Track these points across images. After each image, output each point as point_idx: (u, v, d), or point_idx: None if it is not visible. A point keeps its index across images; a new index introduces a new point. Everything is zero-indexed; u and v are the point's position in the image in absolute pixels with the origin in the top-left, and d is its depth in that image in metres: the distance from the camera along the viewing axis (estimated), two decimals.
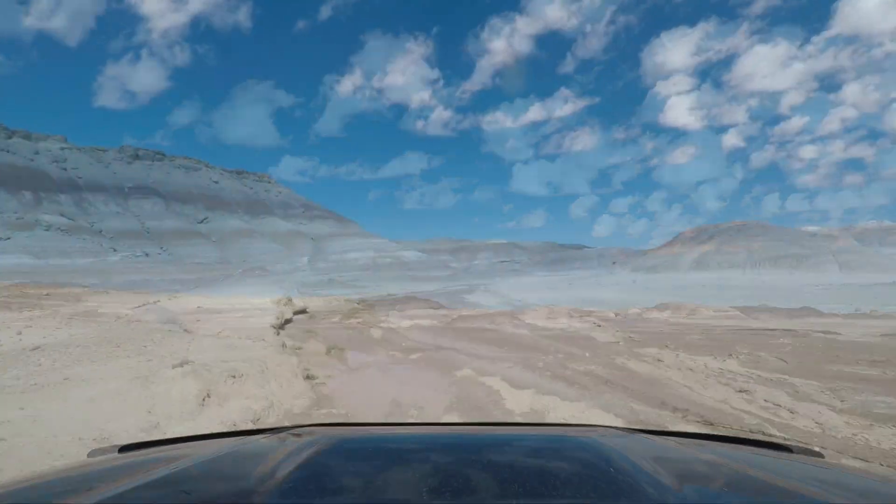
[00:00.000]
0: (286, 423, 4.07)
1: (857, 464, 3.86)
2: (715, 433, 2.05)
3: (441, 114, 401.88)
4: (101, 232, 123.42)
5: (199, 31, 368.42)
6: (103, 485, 1.02)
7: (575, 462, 1.21)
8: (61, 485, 1.12)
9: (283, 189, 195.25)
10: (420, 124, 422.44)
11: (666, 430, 2.06)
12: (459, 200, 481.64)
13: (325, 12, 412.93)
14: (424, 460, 1.22)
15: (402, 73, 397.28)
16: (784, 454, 1.46)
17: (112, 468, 1.25)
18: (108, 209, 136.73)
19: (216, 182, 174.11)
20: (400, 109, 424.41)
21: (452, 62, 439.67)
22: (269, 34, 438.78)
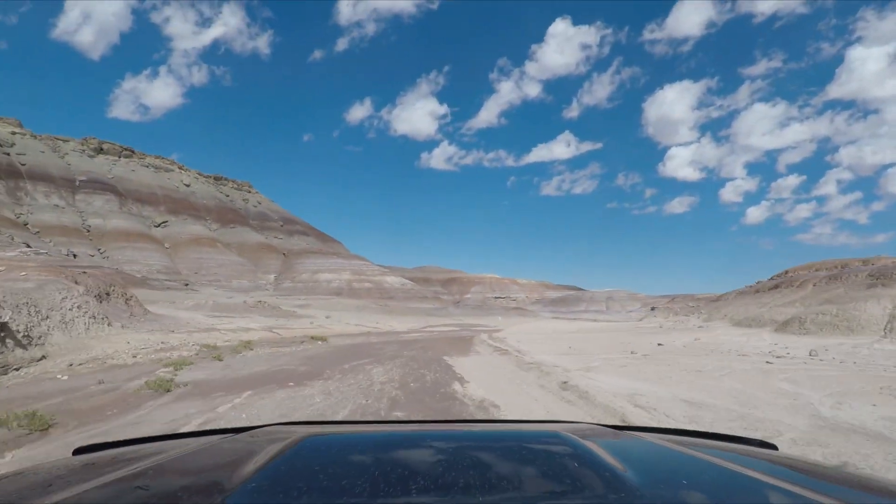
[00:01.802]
0: None
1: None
2: (675, 428, 2.14)
3: (446, 149, 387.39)
4: (25, 225, 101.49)
5: (218, 53, 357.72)
6: (56, 490, 0.98)
7: (542, 457, 1.25)
8: (12, 490, 1.06)
9: (262, 199, 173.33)
10: (424, 157, 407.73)
11: (628, 425, 2.14)
12: (456, 231, 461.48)
13: (341, 44, 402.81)
14: (392, 458, 1.23)
15: (412, 107, 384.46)
16: (739, 446, 1.56)
17: (66, 471, 1.20)
18: (46, 202, 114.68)
19: (187, 185, 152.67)
20: (409, 142, 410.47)
21: (461, 100, 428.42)
22: (286, 62, 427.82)
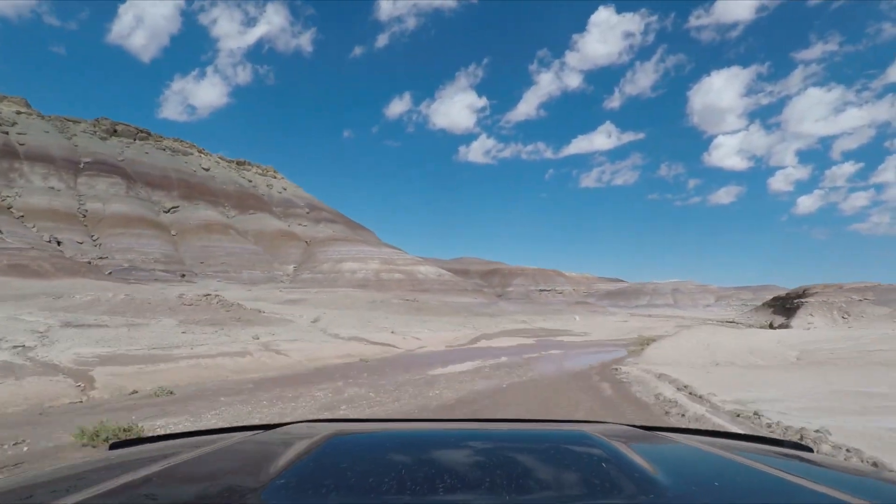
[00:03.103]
0: None
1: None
2: (705, 429, 1.98)
3: (484, 142, 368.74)
4: (9, 209, 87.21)
5: (261, 52, 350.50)
6: (95, 483, 0.99)
7: (569, 457, 1.22)
8: (52, 484, 1.08)
9: (288, 185, 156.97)
10: (462, 150, 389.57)
11: (658, 425, 1.96)
12: (493, 223, 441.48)
13: (381, 40, 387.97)
14: (419, 455, 1.21)
15: (451, 101, 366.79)
16: (773, 448, 1.49)
17: (103, 466, 1.21)
18: (42, 184, 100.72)
19: (206, 169, 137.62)
20: (447, 136, 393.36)
21: (499, 92, 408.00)
22: (328, 59, 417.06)
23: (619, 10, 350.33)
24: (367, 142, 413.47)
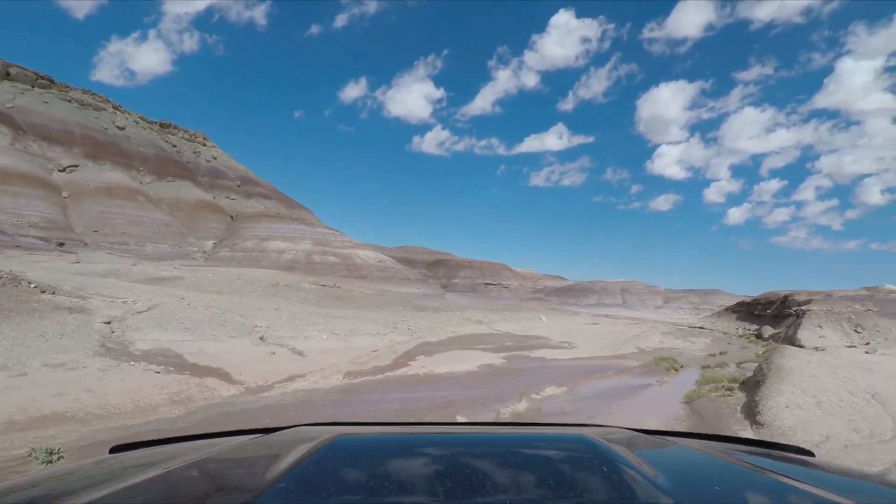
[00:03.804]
0: None
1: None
2: (706, 433, 1.77)
3: (439, 134, 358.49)
4: None
5: (211, 20, 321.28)
6: (94, 486, 0.98)
7: (571, 461, 1.20)
8: (50, 487, 1.07)
9: (219, 154, 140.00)
10: (416, 140, 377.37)
11: (660, 429, 1.85)
12: (443, 215, 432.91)
13: (340, 21, 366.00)
14: (421, 460, 1.20)
15: (408, 89, 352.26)
16: (775, 452, 1.47)
17: (102, 470, 1.20)
18: None
19: (121, 128, 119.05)
20: (401, 125, 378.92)
21: (457, 85, 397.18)
22: (282, 35, 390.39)
23: (578, 15, 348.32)
24: (318, 124, 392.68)
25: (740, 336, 46.79)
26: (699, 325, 60.85)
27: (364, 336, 17.72)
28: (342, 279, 79.98)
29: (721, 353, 25.65)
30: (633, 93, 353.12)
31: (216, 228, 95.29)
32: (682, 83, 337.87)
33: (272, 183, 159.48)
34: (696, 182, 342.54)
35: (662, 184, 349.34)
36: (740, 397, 11.73)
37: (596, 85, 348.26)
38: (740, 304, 73.67)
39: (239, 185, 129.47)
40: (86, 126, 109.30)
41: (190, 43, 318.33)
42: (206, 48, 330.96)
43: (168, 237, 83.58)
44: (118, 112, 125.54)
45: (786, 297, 53.21)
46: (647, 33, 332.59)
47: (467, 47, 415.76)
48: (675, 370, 17.48)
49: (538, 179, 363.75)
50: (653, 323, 58.18)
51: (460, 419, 8.75)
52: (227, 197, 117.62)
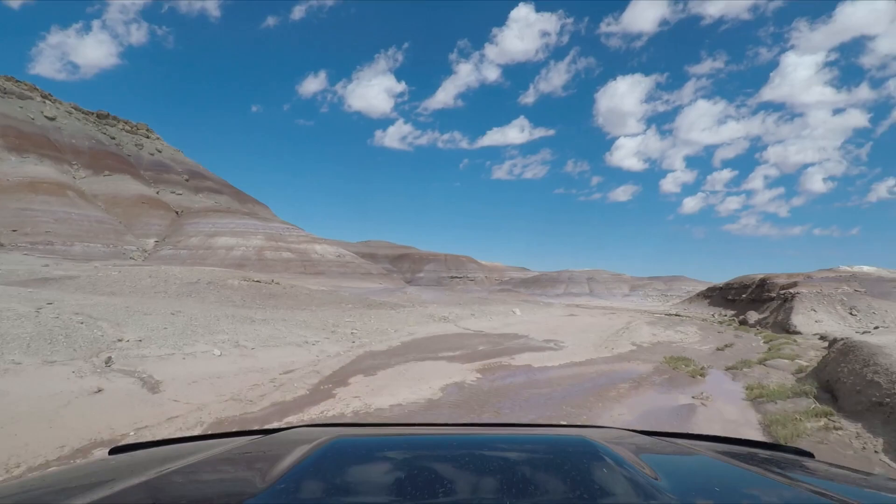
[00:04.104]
0: None
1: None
2: (706, 434, 1.79)
3: (401, 128, 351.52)
4: None
5: (160, 11, 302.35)
6: (93, 488, 0.98)
7: (571, 462, 1.19)
8: (50, 489, 1.07)
9: (164, 146, 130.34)
10: (378, 135, 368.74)
11: (659, 430, 1.86)
12: (407, 209, 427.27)
13: (297, 13, 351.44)
14: (420, 461, 1.20)
15: (368, 83, 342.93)
16: (775, 453, 1.48)
17: (103, 471, 1.20)
18: None
19: (51, 119, 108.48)
20: (363, 119, 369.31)
21: (418, 79, 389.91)
22: (237, 27, 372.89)
23: (538, 9, 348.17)
24: (277, 119, 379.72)
25: (721, 323, 43.69)
26: (675, 313, 57.92)
27: (283, 347, 12.68)
28: (297, 276, 73.93)
29: (727, 347, 21.73)
30: (591, 86, 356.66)
31: (159, 225, 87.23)
32: (638, 77, 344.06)
33: (226, 178, 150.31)
34: (654, 173, 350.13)
35: (621, 175, 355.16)
36: (852, 431, 7.38)
37: (556, 78, 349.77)
38: (711, 289, 71.49)
39: (187, 180, 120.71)
40: (8, 116, 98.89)
41: (138, 35, 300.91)
42: (155, 40, 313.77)
43: (101, 235, 75.42)
44: (48, 101, 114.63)
45: (763, 280, 50.60)
46: (604, 28, 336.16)
47: (428, 40, 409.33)
48: (699, 375, 13.19)
49: (501, 172, 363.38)
50: (629, 312, 54.84)
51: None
52: (173, 192, 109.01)
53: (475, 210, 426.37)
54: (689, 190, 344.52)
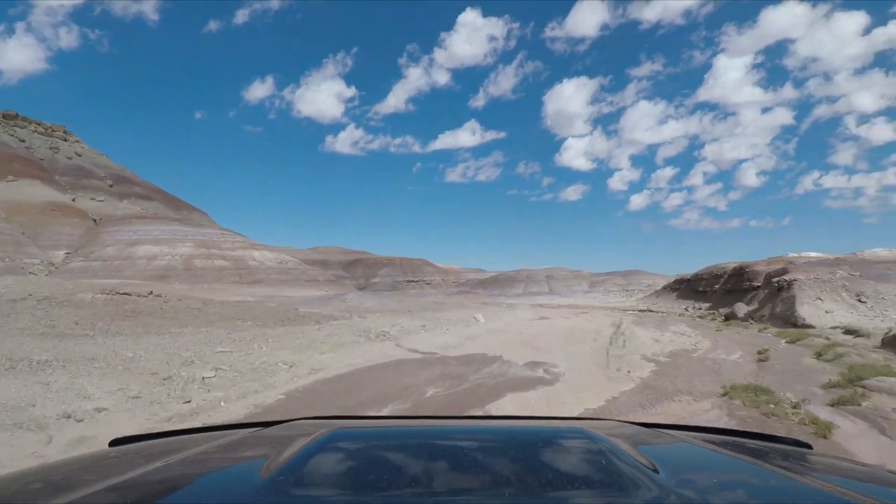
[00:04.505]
0: None
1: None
2: (705, 426, 1.76)
3: (353, 133, 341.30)
4: None
5: (92, 14, 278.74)
6: (94, 479, 0.97)
7: (570, 454, 1.20)
8: (51, 479, 1.06)
9: (84, 149, 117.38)
10: (329, 140, 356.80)
11: (656, 422, 1.84)
12: (361, 215, 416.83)
13: (241, 17, 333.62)
14: (419, 452, 1.19)
15: (318, 88, 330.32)
16: (774, 445, 1.46)
17: (104, 462, 1.19)
18: None
19: None
20: (313, 125, 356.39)
21: (368, 83, 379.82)
22: (177, 31, 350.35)
23: (484, 14, 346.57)
24: (223, 125, 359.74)
25: (703, 318, 38.94)
26: (646, 308, 53.28)
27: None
28: (231, 285, 65.30)
29: (763, 355, 16.10)
30: (539, 89, 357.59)
31: (71, 235, 76.09)
32: (583, 79, 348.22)
33: (169, 185, 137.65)
34: (601, 172, 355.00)
35: (571, 175, 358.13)
36: None
37: (504, 82, 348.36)
38: (679, 281, 67.68)
39: (110, 185, 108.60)
40: None
41: (68, 38, 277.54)
42: (87, 44, 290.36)
43: (14, 247, 64.40)
44: None
45: (740, 268, 46.49)
46: (548, 32, 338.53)
47: (377, 45, 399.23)
48: (825, 432, 7.12)
49: (454, 175, 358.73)
50: (601, 310, 49.70)
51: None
52: (93, 198, 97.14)
53: (430, 213, 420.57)
54: (635, 188, 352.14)
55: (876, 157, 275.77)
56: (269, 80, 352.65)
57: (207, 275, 66.52)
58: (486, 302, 46.40)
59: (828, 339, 20.08)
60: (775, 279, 32.96)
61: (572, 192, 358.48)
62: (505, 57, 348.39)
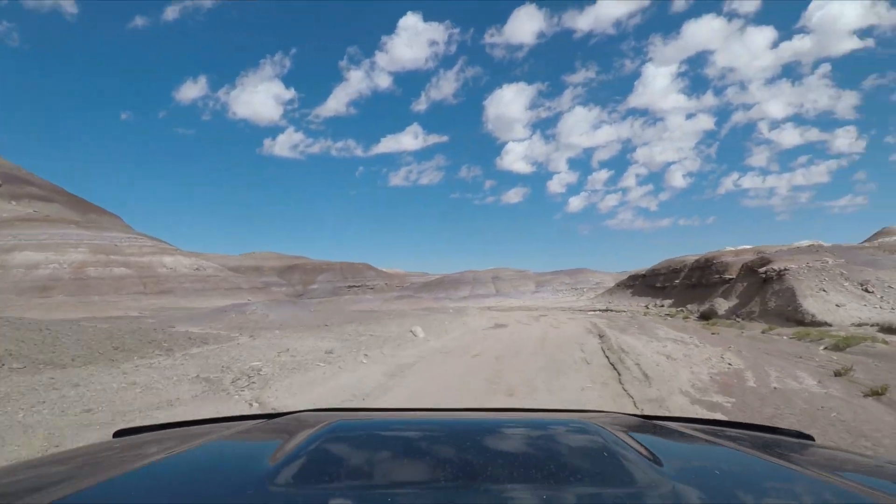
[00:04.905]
0: None
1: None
2: (706, 418, 1.70)
3: (292, 136, 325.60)
4: None
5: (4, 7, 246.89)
6: (98, 470, 0.97)
7: (572, 446, 1.19)
8: (55, 470, 1.05)
9: None
10: (268, 143, 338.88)
11: (658, 415, 1.79)
12: (302, 220, 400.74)
13: (170, 13, 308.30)
14: (422, 444, 1.19)
15: (254, 89, 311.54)
16: (775, 437, 1.45)
17: (108, 453, 1.18)
18: None
19: None
20: (250, 127, 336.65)
21: (308, 85, 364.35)
22: (99, 26, 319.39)
23: (425, 19, 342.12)
24: (152, 127, 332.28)
25: (673, 316, 34.12)
26: (604, 308, 48.51)
27: None
28: (130, 296, 55.28)
29: (845, 375, 10.42)
30: (480, 94, 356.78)
31: None
32: (522, 85, 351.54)
33: (86, 188, 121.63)
34: (541, 175, 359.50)
35: (512, 178, 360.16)
36: None
37: (446, 86, 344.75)
38: (633, 277, 63.82)
39: None
40: None
41: None
42: None
43: None
44: None
45: (706, 261, 42.40)
46: (488, 38, 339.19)
47: (316, 47, 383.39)
48: None
49: (397, 179, 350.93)
50: (562, 312, 44.41)
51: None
52: None
53: (374, 217, 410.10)
54: (573, 190, 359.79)
55: (786, 159, 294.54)
56: (203, 80, 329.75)
57: (103, 285, 56.07)
58: (429, 307, 39.79)
59: (885, 341, 14.89)
60: (762, 269, 28.29)
61: (514, 195, 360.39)
62: (446, 62, 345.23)
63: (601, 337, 17.79)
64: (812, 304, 22.43)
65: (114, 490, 0.84)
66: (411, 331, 18.24)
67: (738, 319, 26.94)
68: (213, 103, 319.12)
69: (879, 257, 29.12)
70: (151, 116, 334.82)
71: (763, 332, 21.20)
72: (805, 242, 42.30)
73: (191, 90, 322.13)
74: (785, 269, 26.64)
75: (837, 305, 22.07)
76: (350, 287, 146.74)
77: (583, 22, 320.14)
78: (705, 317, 30.78)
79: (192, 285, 63.76)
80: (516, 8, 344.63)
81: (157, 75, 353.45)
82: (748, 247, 40.53)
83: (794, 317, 22.57)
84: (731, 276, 35.55)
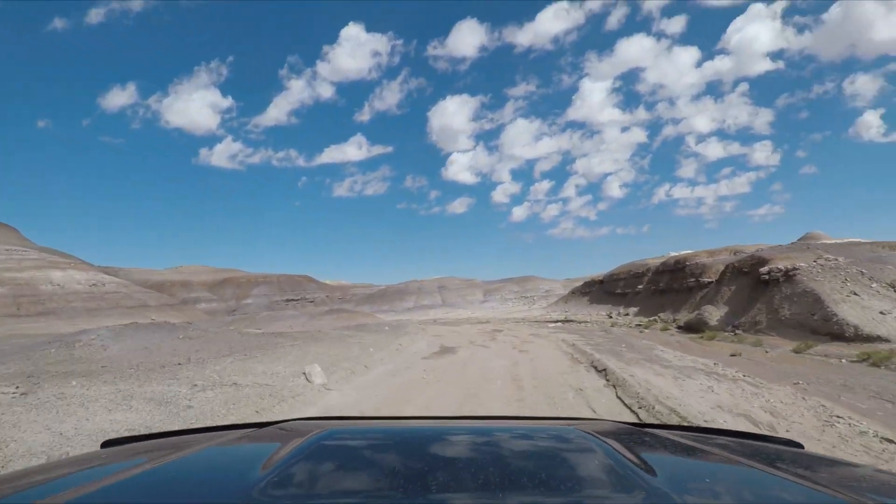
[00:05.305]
0: None
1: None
2: (697, 426, 1.75)
3: (230, 146, 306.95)
4: None
5: None
6: (85, 481, 0.96)
7: (563, 455, 1.18)
8: (41, 480, 1.03)
9: None
10: (204, 153, 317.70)
11: (649, 423, 1.82)
12: (242, 232, 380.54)
13: (94, 16, 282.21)
14: (410, 452, 1.18)
15: (189, 97, 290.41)
16: (765, 444, 1.44)
17: (96, 464, 1.17)
18: None
19: None
20: (185, 136, 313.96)
21: (247, 94, 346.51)
22: (11, 27, 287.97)
23: (368, 29, 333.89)
24: (74, 136, 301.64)
25: (647, 327, 28.72)
26: (564, 318, 42.97)
27: None
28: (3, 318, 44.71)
29: None
30: (424, 105, 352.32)
31: None
32: (465, 97, 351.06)
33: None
34: (485, 185, 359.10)
35: (457, 188, 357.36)
36: None
37: (390, 97, 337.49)
38: (589, 283, 58.99)
39: None
40: None
41: None
42: None
43: None
44: None
45: (676, 263, 37.68)
46: (431, 50, 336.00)
47: (255, 54, 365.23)
48: None
49: (342, 190, 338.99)
50: (516, 325, 38.29)
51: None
52: None
53: (317, 228, 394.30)
54: (516, 200, 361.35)
55: (711, 171, 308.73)
56: (131, 86, 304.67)
57: None
58: (362, 324, 32.60)
59: None
60: (762, 270, 23.16)
61: (459, 205, 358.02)
62: (389, 72, 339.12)
63: (599, 370, 11.49)
64: (850, 312, 17.19)
65: (99, 501, 0.82)
66: (305, 373, 11.22)
67: (736, 331, 21.59)
68: (144, 111, 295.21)
69: (885, 254, 24.66)
70: (74, 124, 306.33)
71: (796, 352, 15.68)
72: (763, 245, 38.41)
73: (118, 97, 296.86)
74: (795, 269, 21.57)
75: (882, 313, 16.93)
76: (288, 301, 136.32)
77: (522, 37, 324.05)
78: (693, 328, 25.41)
79: (84, 304, 53.28)
80: (458, 21, 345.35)
81: (79, 81, 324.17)
82: (725, 246, 36.15)
83: (825, 329, 17.25)
84: (709, 280, 30.71)
